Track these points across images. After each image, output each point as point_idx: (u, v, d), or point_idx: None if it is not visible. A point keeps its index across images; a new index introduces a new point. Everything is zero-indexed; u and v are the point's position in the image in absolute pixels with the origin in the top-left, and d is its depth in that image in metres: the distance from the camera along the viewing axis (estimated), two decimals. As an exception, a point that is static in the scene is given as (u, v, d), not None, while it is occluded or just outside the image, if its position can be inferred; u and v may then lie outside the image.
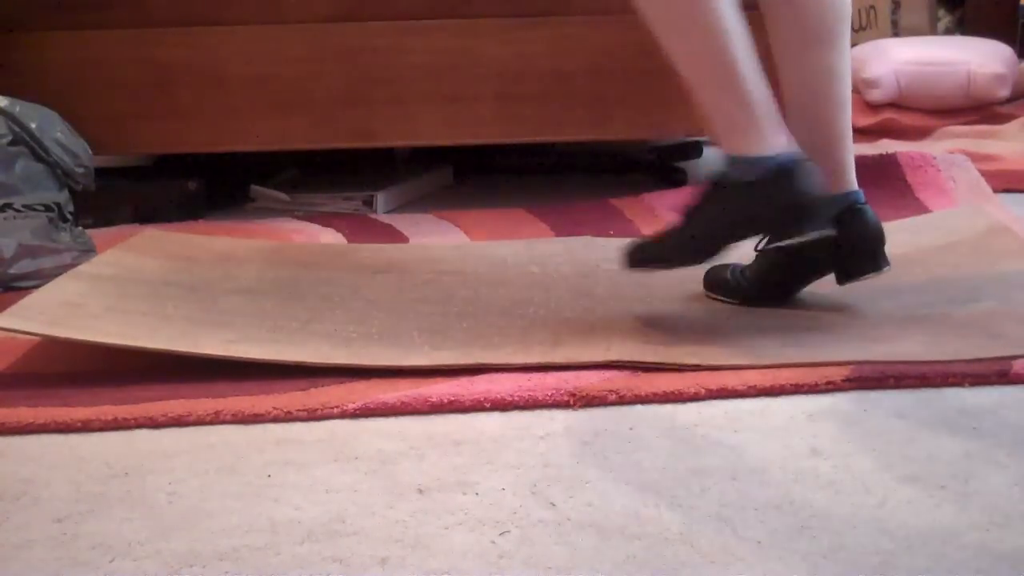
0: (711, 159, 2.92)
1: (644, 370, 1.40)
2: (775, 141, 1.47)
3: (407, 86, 2.39)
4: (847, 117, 1.63)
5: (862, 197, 1.60)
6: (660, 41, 1.50)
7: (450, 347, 1.50)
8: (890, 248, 1.93)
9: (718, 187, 1.52)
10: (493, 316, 1.63)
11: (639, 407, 1.32)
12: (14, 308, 1.54)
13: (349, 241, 2.17)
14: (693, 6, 1.47)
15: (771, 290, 1.64)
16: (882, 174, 2.26)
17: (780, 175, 1.46)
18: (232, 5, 2.40)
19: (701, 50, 1.48)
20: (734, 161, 1.49)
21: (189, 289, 1.73)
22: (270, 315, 1.63)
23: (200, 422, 1.32)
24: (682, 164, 2.78)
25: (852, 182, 1.61)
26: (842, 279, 1.60)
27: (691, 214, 1.55)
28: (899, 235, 2.02)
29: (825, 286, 1.69)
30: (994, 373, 1.34)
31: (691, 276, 1.79)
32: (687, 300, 1.68)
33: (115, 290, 1.69)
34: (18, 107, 2.04)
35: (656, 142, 2.91)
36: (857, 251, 1.58)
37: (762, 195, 1.46)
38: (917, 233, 2.02)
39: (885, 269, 1.59)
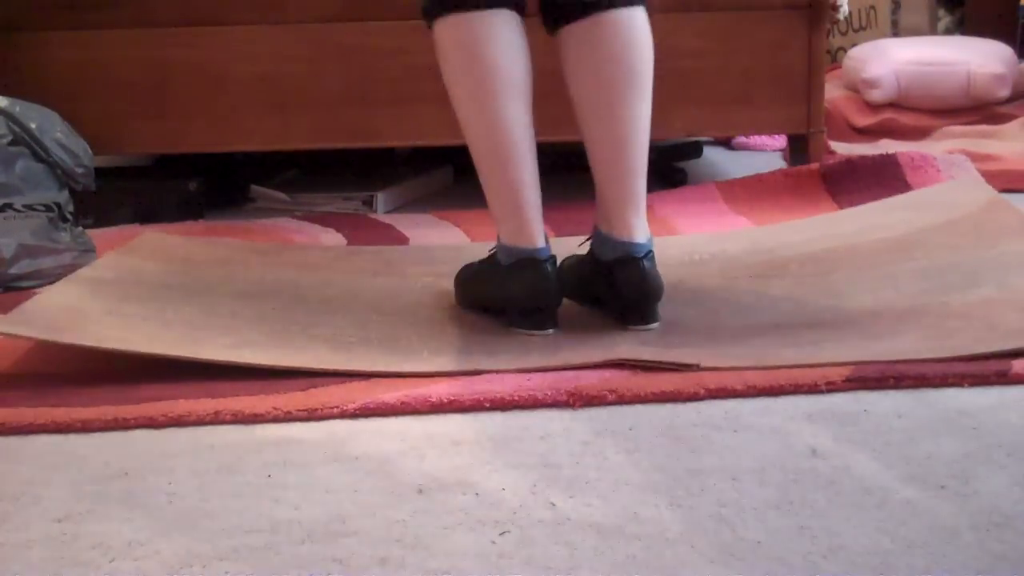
0: (711, 159, 2.93)
1: (644, 370, 1.40)
2: (531, 235, 1.56)
3: (407, 86, 2.39)
4: (642, 166, 1.61)
5: (642, 250, 1.57)
6: None
7: (449, 352, 1.50)
8: (888, 228, 1.94)
9: (492, 260, 1.63)
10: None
11: (639, 407, 1.32)
12: (14, 313, 1.54)
13: (349, 241, 2.17)
14: (470, 106, 1.57)
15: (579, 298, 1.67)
16: (882, 174, 2.26)
17: (522, 268, 1.56)
18: (232, 5, 2.40)
19: (478, 146, 1.59)
20: (499, 244, 1.60)
21: (189, 293, 1.73)
22: (270, 319, 1.63)
23: (200, 422, 1.32)
24: (682, 164, 2.78)
25: (639, 232, 1.59)
26: (620, 321, 1.59)
27: (471, 270, 1.68)
28: (899, 212, 2.03)
29: (825, 281, 1.69)
30: (994, 373, 1.34)
31: (690, 275, 1.80)
32: (685, 301, 1.68)
33: (115, 294, 1.69)
34: (18, 107, 2.04)
35: (656, 142, 2.91)
36: (627, 302, 1.58)
37: (510, 281, 1.57)
38: (916, 209, 2.02)
39: (652, 326, 1.57)
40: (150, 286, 1.75)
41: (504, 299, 1.60)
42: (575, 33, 1.59)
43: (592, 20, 1.57)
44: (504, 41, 1.56)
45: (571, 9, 1.58)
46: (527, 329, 1.57)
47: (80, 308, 1.60)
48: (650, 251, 1.59)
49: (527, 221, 1.57)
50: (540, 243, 1.58)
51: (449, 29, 1.57)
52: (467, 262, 1.71)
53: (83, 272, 1.80)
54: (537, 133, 2.46)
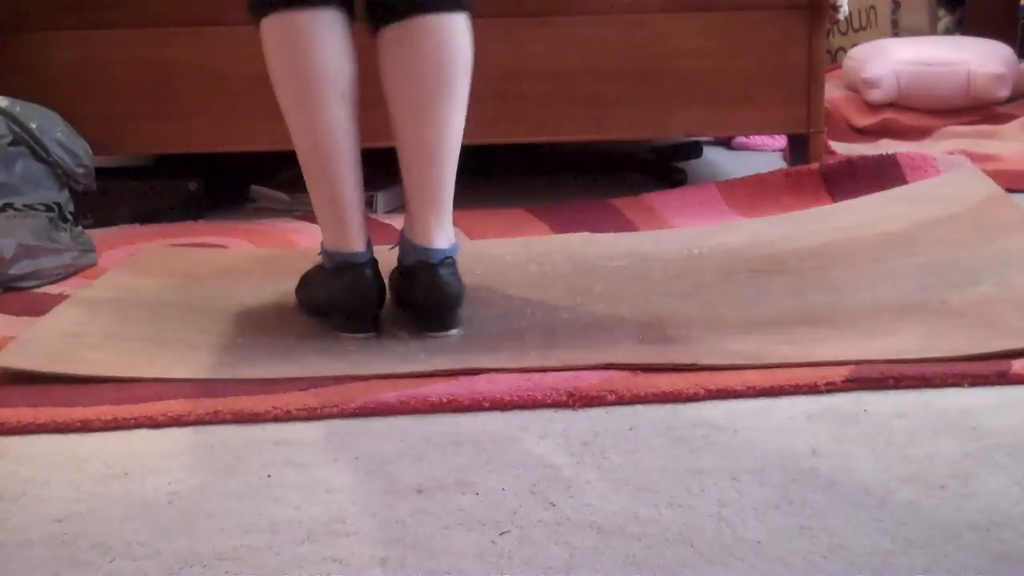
0: (711, 159, 2.93)
1: (643, 370, 1.40)
2: (353, 240, 1.58)
3: (407, 86, 2.39)
4: (447, 174, 1.60)
5: (438, 256, 1.57)
6: None
7: (447, 352, 1.50)
8: (888, 222, 1.94)
9: (320, 265, 1.64)
10: (490, 319, 1.63)
11: (638, 407, 1.32)
12: (15, 344, 1.55)
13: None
14: (293, 107, 1.58)
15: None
16: (882, 174, 2.26)
17: (341, 272, 1.58)
18: (232, 5, 2.39)
19: (300, 148, 1.60)
20: (323, 249, 1.62)
21: (188, 309, 1.73)
22: (269, 331, 1.62)
23: (200, 422, 1.32)
24: (682, 164, 2.78)
25: (438, 238, 1.58)
26: (420, 327, 1.59)
27: (306, 274, 1.69)
28: (897, 206, 2.03)
29: (824, 276, 1.69)
30: (994, 373, 1.34)
31: (690, 271, 1.80)
32: (685, 298, 1.68)
33: (114, 316, 1.69)
34: (18, 107, 2.04)
35: (656, 142, 2.91)
36: (423, 308, 1.58)
37: (332, 284, 1.60)
38: (916, 202, 2.02)
39: (451, 333, 1.57)
40: (150, 305, 1.75)
41: (328, 303, 1.61)
42: (390, 36, 1.57)
43: (406, 24, 1.55)
44: (326, 42, 1.55)
45: (388, 12, 1.57)
46: (349, 332, 1.58)
47: (79, 334, 1.61)
48: (448, 258, 1.58)
49: (346, 225, 1.58)
50: (359, 247, 1.58)
51: (272, 28, 1.56)
52: (465, 259, 1.71)
53: (84, 294, 1.80)
54: (537, 133, 2.46)
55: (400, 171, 1.61)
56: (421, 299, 1.57)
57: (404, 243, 1.61)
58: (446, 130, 1.58)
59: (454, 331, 1.58)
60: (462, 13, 1.57)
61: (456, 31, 1.56)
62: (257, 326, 1.65)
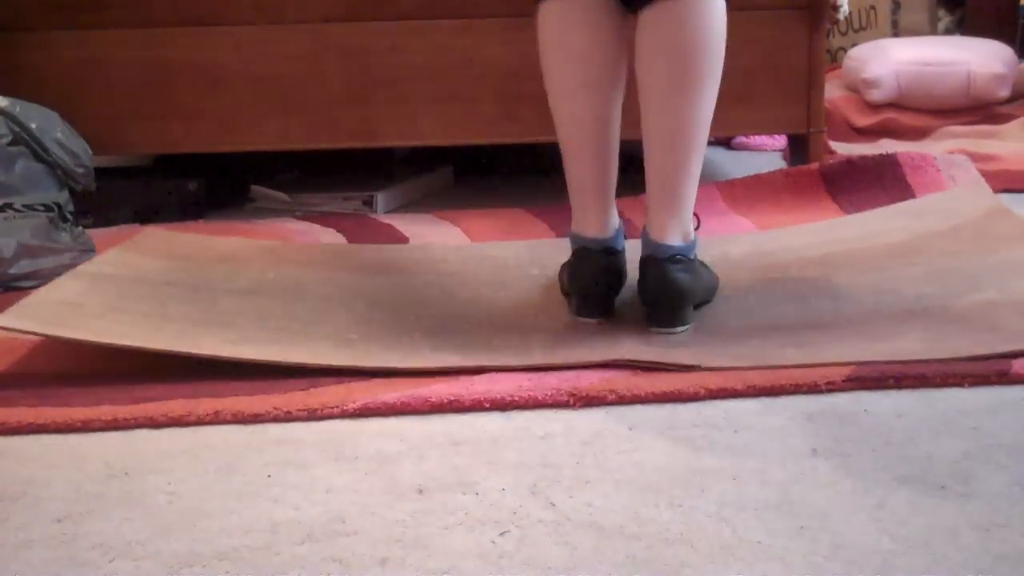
0: (711, 159, 2.92)
1: (644, 370, 1.40)
2: (591, 225, 1.61)
3: (407, 86, 2.40)
4: (687, 165, 1.57)
5: (667, 252, 1.54)
6: None
7: (450, 349, 1.50)
8: (890, 234, 1.94)
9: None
10: (494, 319, 1.63)
11: (639, 407, 1.32)
12: (15, 308, 1.54)
13: (349, 241, 2.17)
14: (550, 96, 1.61)
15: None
16: (882, 174, 2.26)
17: (580, 256, 1.61)
18: (232, 5, 2.40)
19: (559, 134, 1.62)
20: (571, 229, 1.64)
21: (190, 289, 1.73)
22: (271, 316, 1.63)
23: (200, 422, 1.32)
24: (682, 164, 2.77)
25: (671, 234, 1.55)
26: (647, 322, 1.57)
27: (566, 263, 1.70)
28: (900, 219, 2.03)
29: (826, 284, 1.69)
30: (994, 373, 1.34)
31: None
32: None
33: (116, 290, 1.69)
34: (18, 107, 2.04)
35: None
36: (648, 303, 1.57)
37: (573, 267, 1.62)
38: (918, 217, 2.02)
39: (677, 330, 1.55)
40: (151, 282, 1.75)
41: (568, 285, 1.65)
42: (647, 18, 1.54)
43: (661, 6, 1.52)
44: (573, 30, 1.56)
45: None
46: (580, 316, 1.60)
47: (81, 303, 1.60)
48: (678, 255, 1.54)
49: (586, 210, 1.61)
50: (595, 233, 1.60)
51: (546, 15, 1.59)
52: (467, 260, 1.71)
53: (84, 267, 1.80)
54: (537, 133, 2.45)
55: (645, 160, 1.60)
56: (646, 294, 1.56)
57: (643, 235, 1.60)
58: (692, 119, 1.54)
59: (681, 328, 1.55)
60: None
61: (714, 15, 1.54)
62: (258, 310, 1.65)
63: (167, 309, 1.63)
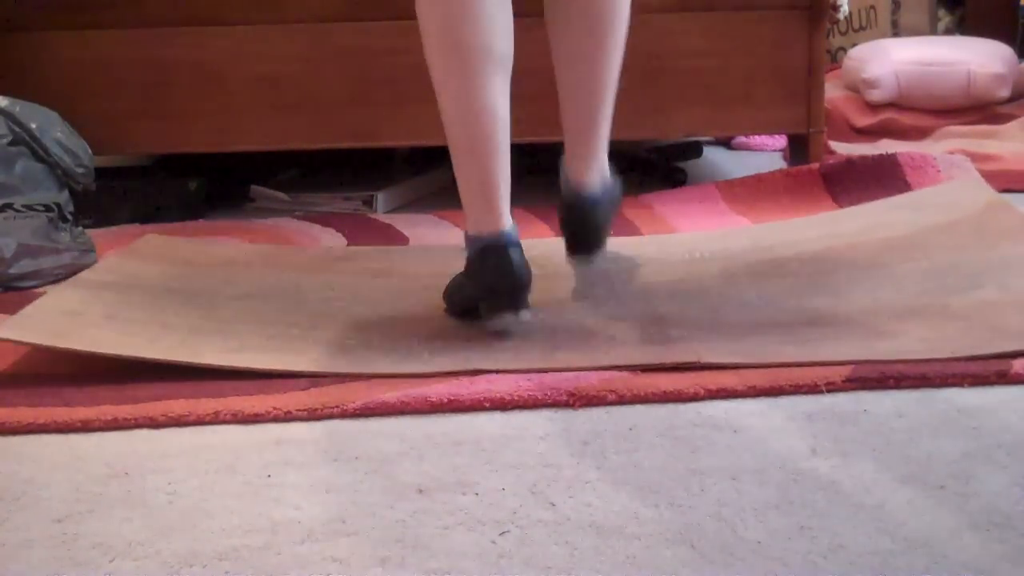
0: (711, 159, 2.93)
1: (644, 370, 1.40)
2: (494, 222, 1.56)
3: (407, 86, 2.39)
4: (609, 112, 1.75)
5: (588, 191, 1.75)
6: None
7: (449, 353, 1.50)
8: (889, 228, 1.95)
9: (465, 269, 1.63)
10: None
11: (639, 407, 1.32)
12: (15, 318, 1.54)
13: (349, 241, 2.17)
14: (443, 91, 1.55)
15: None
16: (882, 174, 2.26)
17: (487, 255, 1.55)
18: (232, 5, 2.40)
19: (453, 126, 1.57)
20: (466, 235, 1.60)
21: (190, 296, 1.73)
22: (270, 322, 1.63)
23: (200, 422, 1.32)
24: (682, 164, 2.78)
25: (584, 176, 1.75)
26: (567, 251, 1.80)
27: (450, 285, 1.69)
28: (899, 213, 2.03)
29: (826, 280, 1.69)
30: (994, 373, 1.34)
31: (691, 275, 1.80)
32: (687, 300, 1.68)
33: (116, 298, 1.69)
34: (18, 107, 2.04)
35: (656, 142, 2.91)
36: (576, 237, 1.79)
37: (479, 270, 1.56)
38: (917, 210, 2.02)
39: (596, 255, 1.81)
40: (151, 289, 1.75)
41: (476, 289, 1.57)
42: None
43: None
44: (487, 9, 1.51)
45: None
46: (497, 314, 1.54)
47: (81, 312, 1.61)
48: (596, 197, 1.75)
49: (493, 206, 1.56)
50: (506, 227, 1.56)
51: (429, 3, 1.53)
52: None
53: (84, 275, 1.80)
54: (537, 133, 2.46)
55: (562, 112, 1.75)
56: (574, 232, 1.78)
57: (563, 176, 1.78)
58: (609, 72, 1.71)
59: (597, 254, 1.81)
60: None
61: None
62: (258, 317, 1.65)
63: (166, 317, 1.63)
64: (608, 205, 1.79)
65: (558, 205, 1.81)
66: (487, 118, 1.53)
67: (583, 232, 1.77)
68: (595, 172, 1.76)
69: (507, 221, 1.57)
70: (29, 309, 1.59)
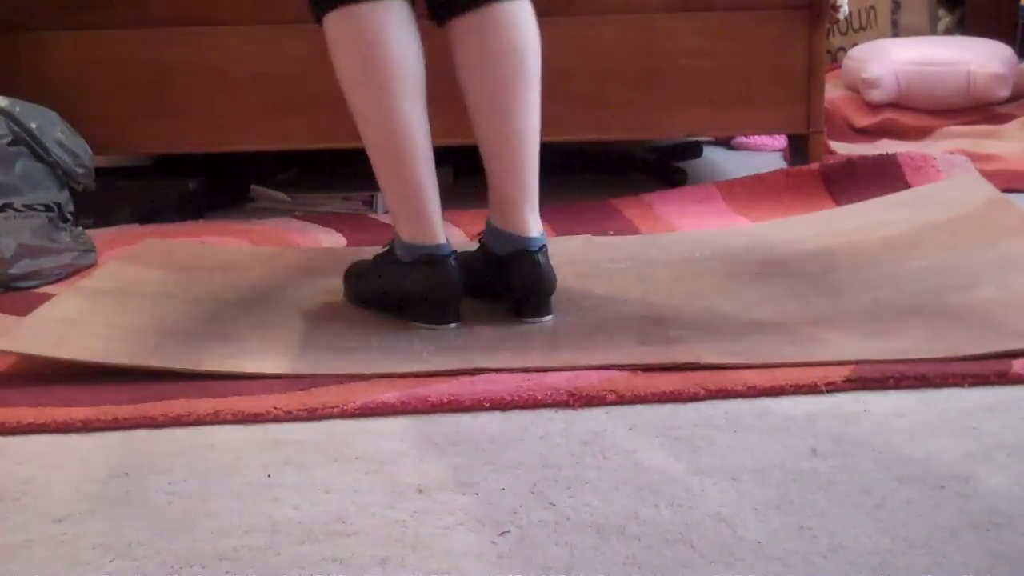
0: (711, 159, 2.93)
1: (644, 370, 1.40)
2: (431, 232, 1.59)
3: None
4: (535, 160, 1.62)
5: (536, 244, 1.60)
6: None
7: (448, 352, 1.50)
8: (889, 226, 1.95)
9: (386, 257, 1.64)
10: (493, 319, 1.63)
11: (639, 407, 1.32)
12: (16, 329, 1.55)
13: (349, 241, 2.17)
14: (367, 103, 1.56)
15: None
16: (882, 174, 2.26)
17: (423, 265, 1.58)
18: (232, 5, 2.40)
19: (374, 143, 1.59)
20: (397, 240, 1.62)
21: (189, 302, 1.73)
22: (270, 326, 1.63)
23: (200, 422, 1.32)
24: (682, 164, 2.78)
25: (530, 226, 1.61)
26: (513, 314, 1.62)
27: (364, 266, 1.69)
28: (899, 211, 2.03)
29: (826, 279, 1.69)
30: (994, 373, 1.34)
31: (689, 273, 1.80)
32: (687, 299, 1.68)
33: (116, 305, 1.69)
34: (18, 107, 2.04)
35: (656, 142, 2.91)
36: (521, 296, 1.61)
37: (413, 277, 1.59)
38: (917, 208, 2.02)
39: (546, 319, 1.61)
40: (151, 296, 1.75)
41: (404, 295, 1.61)
42: (465, 26, 1.58)
43: (481, 12, 1.56)
44: (398, 34, 1.54)
45: (460, 2, 1.57)
46: (431, 324, 1.59)
47: (80, 321, 1.61)
48: (544, 246, 1.61)
49: (427, 219, 1.59)
50: (442, 239, 1.60)
51: (339, 23, 1.55)
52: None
53: (83, 283, 1.80)
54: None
55: (485, 163, 1.63)
56: (520, 287, 1.60)
57: (496, 233, 1.63)
58: (530, 117, 1.60)
59: (548, 317, 1.61)
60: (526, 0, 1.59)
61: (528, 15, 1.59)
62: (258, 320, 1.65)
63: (166, 323, 1.63)
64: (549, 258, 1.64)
65: (489, 270, 1.65)
66: (412, 135, 1.57)
67: (537, 285, 1.60)
68: (537, 221, 1.62)
69: (443, 234, 1.60)
70: (29, 319, 1.59)
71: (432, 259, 1.58)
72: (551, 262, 1.62)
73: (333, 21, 1.55)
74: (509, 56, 1.56)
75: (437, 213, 1.60)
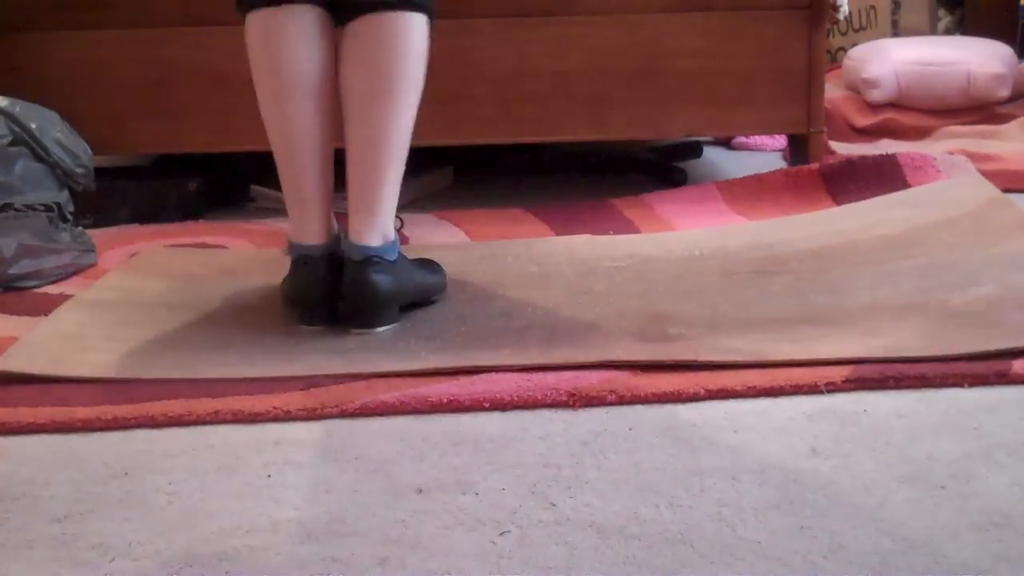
0: (711, 159, 2.93)
1: (644, 370, 1.40)
2: (311, 233, 1.62)
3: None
4: (386, 172, 1.62)
5: (360, 253, 1.59)
6: None
7: (447, 351, 1.50)
8: (888, 225, 1.95)
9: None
10: (492, 318, 1.63)
11: (639, 407, 1.32)
12: (15, 347, 1.55)
13: (349, 241, 2.17)
14: (262, 104, 1.63)
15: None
16: (882, 174, 2.26)
17: (298, 264, 1.62)
18: (232, 5, 2.40)
19: (273, 141, 1.64)
20: (288, 241, 1.66)
21: (189, 310, 1.73)
22: (269, 331, 1.63)
23: (200, 422, 1.32)
24: (682, 164, 2.78)
25: (367, 236, 1.60)
26: (344, 321, 1.61)
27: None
28: (899, 210, 2.03)
29: (825, 277, 1.69)
30: (994, 373, 1.34)
31: (690, 272, 1.80)
32: (686, 298, 1.68)
33: (115, 318, 1.69)
34: (18, 107, 2.04)
35: (656, 142, 2.91)
36: (345, 304, 1.60)
37: (292, 276, 1.63)
38: (917, 207, 2.02)
39: (378, 330, 1.59)
40: (150, 306, 1.75)
41: (287, 294, 1.65)
42: (349, 31, 1.61)
43: (364, 20, 1.59)
44: (298, 39, 1.59)
45: (350, 9, 1.60)
46: (303, 323, 1.62)
47: (80, 336, 1.61)
48: (374, 256, 1.59)
49: (305, 218, 1.63)
50: (315, 240, 1.62)
51: (252, 24, 1.62)
52: (466, 260, 1.71)
53: (84, 295, 1.80)
54: (537, 133, 2.45)
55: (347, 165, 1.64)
56: (345, 296, 1.60)
57: (345, 237, 1.65)
58: (388, 127, 1.60)
59: (381, 329, 1.60)
60: (421, 13, 1.60)
61: (411, 28, 1.59)
62: (257, 326, 1.65)
63: (166, 334, 1.63)
64: (395, 279, 1.60)
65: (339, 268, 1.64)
66: (296, 138, 1.61)
67: (356, 295, 1.58)
68: (375, 231, 1.60)
69: (320, 235, 1.62)
70: (30, 336, 1.59)
71: (304, 259, 1.62)
72: (382, 271, 1.59)
73: (248, 22, 1.62)
74: (378, 62, 1.58)
75: (317, 214, 1.63)
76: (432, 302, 1.71)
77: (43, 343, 1.57)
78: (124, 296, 1.80)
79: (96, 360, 1.52)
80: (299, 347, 1.56)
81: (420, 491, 1.13)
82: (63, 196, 2.04)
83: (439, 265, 1.77)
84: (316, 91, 1.60)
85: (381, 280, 1.59)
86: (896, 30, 4.00)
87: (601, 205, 2.31)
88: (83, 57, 2.39)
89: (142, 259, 2.00)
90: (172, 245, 2.13)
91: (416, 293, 1.67)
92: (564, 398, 1.33)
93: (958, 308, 1.54)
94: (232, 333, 1.63)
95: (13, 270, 1.90)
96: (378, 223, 1.61)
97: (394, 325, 1.61)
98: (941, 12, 4.07)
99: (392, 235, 1.62)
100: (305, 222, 1.63)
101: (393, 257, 1.62)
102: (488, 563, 0.99)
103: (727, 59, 2.42)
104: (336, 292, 1.61)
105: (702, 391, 1.34)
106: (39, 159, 2.02)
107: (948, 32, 4.03)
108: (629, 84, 2.41)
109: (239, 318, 1.70)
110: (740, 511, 1.06)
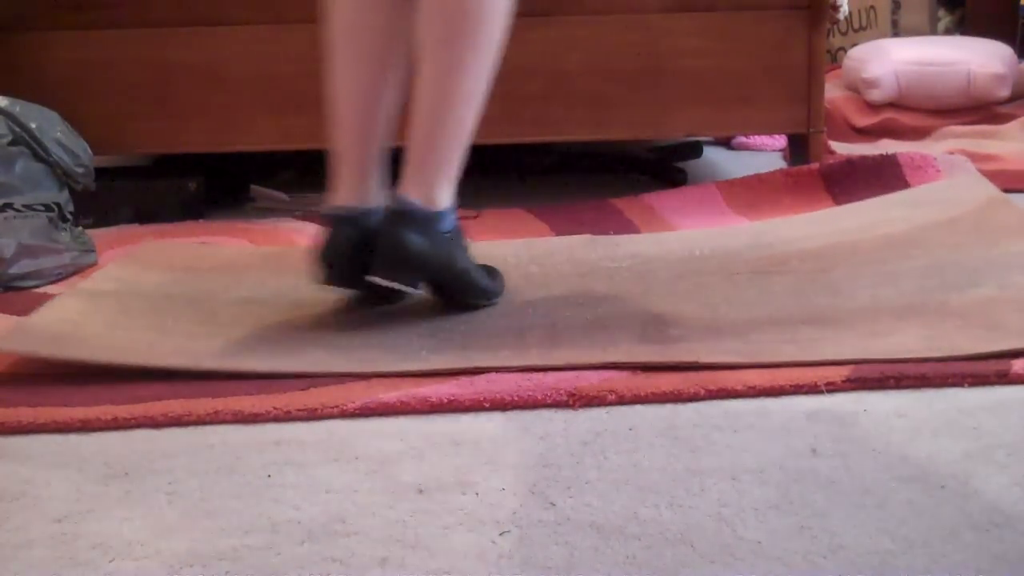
0: (711, 159, 2.93)
1: (644, 370, 1.40)
2: (344, 194, 1.63)
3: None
4: (442, 126, 1.54)
5: (402, 203, 1.53)
6: None
7: (448, 351, 1.50)
8: (889, 225, 1.95)
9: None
10: (492, 318, 1.63)
11: (639, 407, 1.32)
12: (15, 329, 1.55)
13: (349, 241, 2.17)
14: (330, 63, 1.62)
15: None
16: (882, 174, 2.26)
17: (331, 225, 1.62)
18: (232, 5, 2.40)
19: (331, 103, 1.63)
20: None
21: (189, 301, 1.73)
22: (270, 325, 1.63)
23: (200, 422, 1.32)
24: (682, 164, 2.78)
25: (407, 187, 1.54)
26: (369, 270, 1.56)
27: None
28: (899, 210, 2.03)
29: (825, 277, 1.69)
30: (994, 373, 1.34)
31: (691, 272, 1.80)
32: (687, 298, 1.68)
33: (115, 306, 1.70)
34: (18, 107, 2.04)
35: (656, 142, 2.91)
36: (378, 254, 1.54)
37: (324, 235, 1.62)
38: (917, 207, 2.02)
39: (395, 285, 1.54)
40: (151, 296, 1.75)
41: (320, 252, 1.63)
42: None
43: None
44: (363, 4, 1.60)
45: None
46: (325, 283, 1.62)
47: (80, 322, 1.61)
48: (409, 211, 1.52)
49: (341, 178, 1.63)
50: (343, 202, 1.62)
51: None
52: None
53: (83, 285, 1.80)
54: (537, 133, 2.45)
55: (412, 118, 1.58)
56: (374, 245, 1.54)
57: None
58: (456, 80, 1.52)
59: (399, 286, 1.55)
60: None
61: None
62: (258, 320, 1.65)
63: (166, 323, 1.63)
64: (429, 243, 1.53)
65: None
66: (342, 100, 1.62)
67: (380, 247, 1.52)
68: (420, 187, 1.53)
69: (357, 197, 1.61)
70: (28, 320, 1.60)
71: (333, 219, 1.62)
72: (422, 232, 1.52)
73: None
74: (452, 15, 1.52)
75: (351, 172, 1.62)
76: (473, 306, 1.64)
77: (43, 327, 1.57)
78: (124, 286, 1.80)
79: (96, 346, 1.52)
80: (300, 342, 1.56)
81: (420, 491, 1.13)
82: (63, 196, 2.04)
83: (501, 277, 1.70)
84: (370, 54, 1.59)
85: (411, 237, 1.50)
86: (896, 30, 4.00)
87: (601, 205, 2.31)
88: (83, 57, 2.39)
89: (141, 252, 2.01)
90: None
91: (451, 276, 1.59)
92: (564, 398, 1.33)
93: (958, 308, 1.54)
94: (233, 325, 1.63)
95: (13, 270, 1.90)
96: (426, 179, 1.52)
97: (413, 291, 1.54)
98: (941, 12, 4.07)
99: (445, 203, 1.54)
100: (339, 179, 1.62)
101: (441, 227, 1.54)
102: (488, 563, 0.99)
103: (727, 59, 2.42)
104: (354, 255, 1.57)
105: (702, 391, 1.34)
106: (39, 159, 2.02)
107: (948, 32, 4.03)
108: (629, 84, 2.41)
109: (240, 311, 1.70)
110: (740, 511, 1.06)
